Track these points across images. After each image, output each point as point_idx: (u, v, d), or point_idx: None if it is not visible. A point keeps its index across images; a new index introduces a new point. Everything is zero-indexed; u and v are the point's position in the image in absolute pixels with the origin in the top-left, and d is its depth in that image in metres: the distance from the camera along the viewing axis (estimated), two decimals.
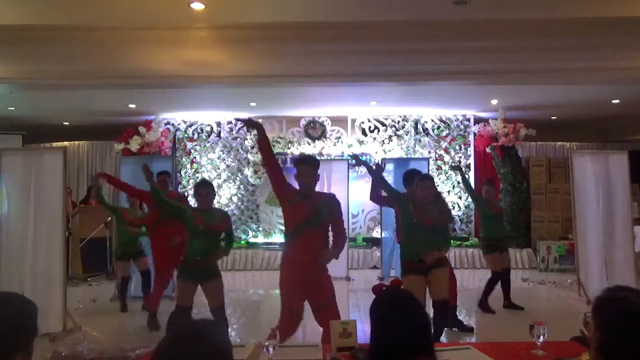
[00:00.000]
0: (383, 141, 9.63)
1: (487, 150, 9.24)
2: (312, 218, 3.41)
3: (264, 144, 3.51)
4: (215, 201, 9.39)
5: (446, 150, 9.71)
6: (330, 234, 3.59)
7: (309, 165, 3.46)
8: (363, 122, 9.70)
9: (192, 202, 6.08)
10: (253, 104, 8.67)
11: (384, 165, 5.08)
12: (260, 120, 3.79)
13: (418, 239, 3.99)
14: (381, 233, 8.11)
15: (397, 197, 4.26)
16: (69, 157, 7.49)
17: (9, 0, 4.41)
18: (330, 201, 3.59)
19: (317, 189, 3.61)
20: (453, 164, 4.58)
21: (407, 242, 4.12)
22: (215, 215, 4.20)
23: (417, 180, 4.16)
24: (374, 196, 4.65)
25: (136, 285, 6.39)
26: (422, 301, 3.85)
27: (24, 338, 1.29)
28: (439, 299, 3.99)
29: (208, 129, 9.87)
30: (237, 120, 3.97)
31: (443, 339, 4.76)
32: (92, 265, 7.90)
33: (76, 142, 10.84)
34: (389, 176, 8.15)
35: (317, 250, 3.44)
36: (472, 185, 7.63)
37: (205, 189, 4.17)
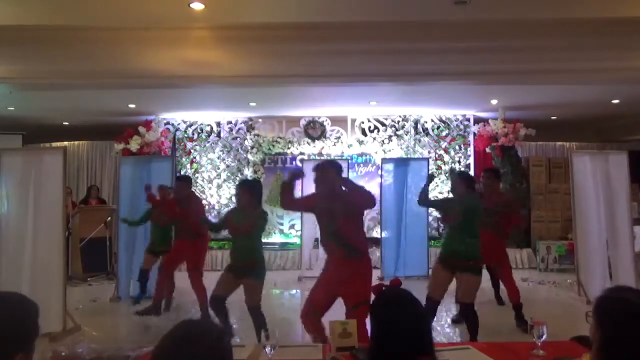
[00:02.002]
0: (383, 141, 9.63)
1: (487, 150, 9.24)
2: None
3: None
4: (215, 201, 9.54)
5: (446, 150, 9.71)
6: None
7: (316, 171, 3.64)
8: (363, 122, 9.70)
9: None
10: (253, 104, 8.67)
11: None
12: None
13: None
14: (381, 233, 8.11)
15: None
16: (69, 157, 7.48)
17: (9, 1, 4.41)
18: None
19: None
20: (430, 172, 4.79)
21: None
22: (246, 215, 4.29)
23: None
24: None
25: (137, 286, 6.40)
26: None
27: (25, 338, 1.29)
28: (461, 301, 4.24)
29: (208, 129, 9.87)
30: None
31: (442, 338, 4.77)
32: (92, 265, 7.89)
33: (76, 142, 10.83)
34: (389, 176, 8.17)
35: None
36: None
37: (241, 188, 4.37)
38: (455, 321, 5.28)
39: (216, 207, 9.61)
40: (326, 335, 3.44)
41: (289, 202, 3.74)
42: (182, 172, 9.77)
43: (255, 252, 4.24)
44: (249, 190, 4.28)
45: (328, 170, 3.61)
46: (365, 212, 9.27)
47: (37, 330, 1.32)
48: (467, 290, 4.10)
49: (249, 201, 4.24)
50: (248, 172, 9.64)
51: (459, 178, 4.38)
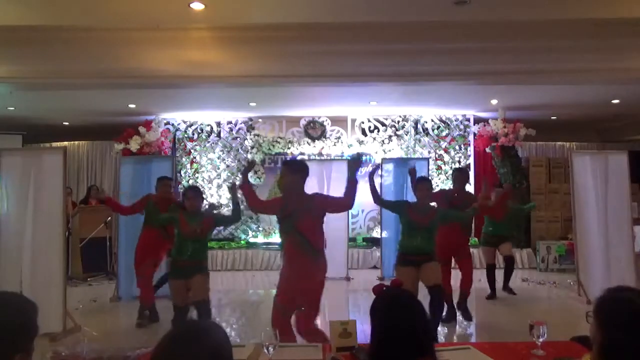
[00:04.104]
0: (383, 141, 9.63)
1: (487, 150, 9.25)
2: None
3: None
4: (215, 201, 9.54)
5: (446, 150, 9.71)
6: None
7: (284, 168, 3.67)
8: (363, 122, 9.70)
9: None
10: (253, 104, 8.68)
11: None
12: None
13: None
14: (381, 233, 8.12)
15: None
16: (69, 157, 7.48)
17: (9, 1, 4.41)
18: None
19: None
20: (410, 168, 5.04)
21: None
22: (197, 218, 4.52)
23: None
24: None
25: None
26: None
27: (24, 338, 1.29)
28: (431, 284, 4.35)
29: (208, 129, 9.87)
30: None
31: (441, 338, 4.77)
32: (92, 265, 7.89)
33: (76, 142, 10.84)
34: (388, 176, 8.17)
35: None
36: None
37: (192, 192, 4.61)
38: (444, 320, 5.24)
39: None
40: (294, 335, 3.49)
41: (252, 201, 3.69)
42: (182, 172, 9.79)
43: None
44: (202, 194, 4.75)
45: (290, 173, 3.59)
46: (366, 212, 9.47)
47: (36, 329, 1.32)
48: (437, 274, 4.41)
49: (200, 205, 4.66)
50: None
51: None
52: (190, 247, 4.40)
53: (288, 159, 9.57)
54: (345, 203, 3.59)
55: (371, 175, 4.65)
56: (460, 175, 5.54)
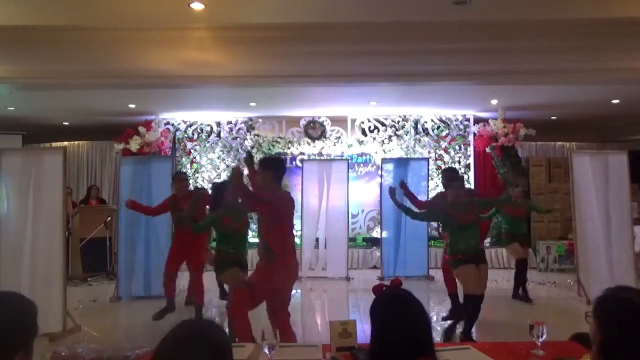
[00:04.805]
0: (383, 141, 9.63)
1: (487, 150, 9.24)
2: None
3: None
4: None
5: (446, 150, 9.71)
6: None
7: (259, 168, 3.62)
8: (363, 122, 9.70)
9: None
10: (253, 104, 8.67)
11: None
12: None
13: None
14: (381, 233, 8.12)
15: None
16: (69, 157, 7.47)
17: (10, 1, 4.41)
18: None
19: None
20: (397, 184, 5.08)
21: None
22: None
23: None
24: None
25: (137, 286, 6.41)
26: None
27: (24, 337, 1.29)
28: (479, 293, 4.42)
29: (208, 129, 9.87)
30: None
31: (439, 339, 4.77)
32: (92, 265, 7.89)
33: (76, 142, 10.84)
34: (388, 176, 8.18)
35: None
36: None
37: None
38: (447, 318, 5.27)
39: None
40: (253, 335, 3.42)
41: (254, 186, 3.68)
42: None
43: None
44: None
45: (262, 169, 3.56)
46: (365, 212, 9.47)
47: (37, 329, 1.32)
48: (485, 282, 4.45)
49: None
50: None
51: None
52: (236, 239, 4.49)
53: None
54: None
55: (392, 197, 4.82)
56: (454, 174, 5.41)
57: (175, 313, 5.33)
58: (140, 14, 4.65)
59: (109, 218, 7.86)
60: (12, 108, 8.54)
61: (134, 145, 8.90)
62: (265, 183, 3.50)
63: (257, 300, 3.53)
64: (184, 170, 9.70)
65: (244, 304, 3.50)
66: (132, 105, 8.54)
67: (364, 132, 9.70)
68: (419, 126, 9.73)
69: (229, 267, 4.40)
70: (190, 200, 4.66)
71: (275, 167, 3.56)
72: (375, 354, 1.68)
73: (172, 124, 9.82)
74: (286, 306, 3.59)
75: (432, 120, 9.72)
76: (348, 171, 8.19)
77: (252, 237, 9.36)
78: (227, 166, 9.74)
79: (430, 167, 8.62)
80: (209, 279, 5.48)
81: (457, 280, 4.91)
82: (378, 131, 9.68)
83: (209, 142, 9.86)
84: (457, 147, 9.72)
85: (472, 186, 9.53)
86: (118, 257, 6.82)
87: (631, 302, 1.51)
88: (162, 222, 6.32)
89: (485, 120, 9.31)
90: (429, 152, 9.63)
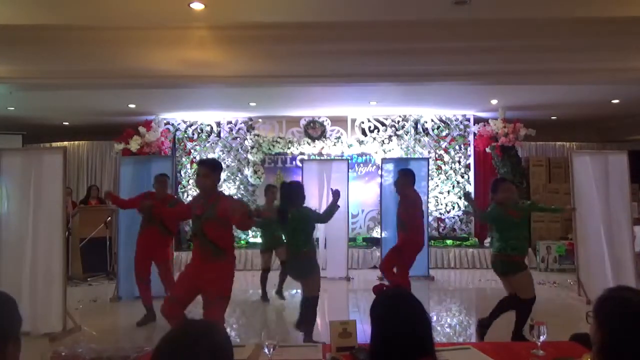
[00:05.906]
0: (383, 141, 9.63)
1: (487, 150, 9.24)
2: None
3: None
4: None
5: (446, 150, 9.71)
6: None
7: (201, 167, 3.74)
8: (363, 122, 9.70)
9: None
10: (253, 104, 8.68)
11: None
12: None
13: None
14: (381, 233, 8.12)
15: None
16: (69, 157, 7.48)
17: (8, 1, 4.41)
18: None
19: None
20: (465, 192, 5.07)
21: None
22: None
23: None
24: None
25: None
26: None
27: (12, 326, 1.35)
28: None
29: (208, 129, 9.88)
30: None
31: (443, 339, 4.77)
32: (92, 265, 7.89)
33: (76, 142, 10.85)
34: (389, 176, 8.18)
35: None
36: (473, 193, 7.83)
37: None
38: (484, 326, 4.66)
39: None
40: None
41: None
42: (182, 172, 9.78)
43: None
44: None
45: (206, 172, 3.67)
46: (365, 212, 9.48)
47: (20, 318, 1.38)
48: None
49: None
50: (248, 172, 9.65)
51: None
52: None
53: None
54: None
55: (470, 200, 4.98)
56: (500, 179, 5.18)
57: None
58: (140, 13, 4.64)
59: (109, 218, 7.86)
60: (12, 108, 8.55)
61: (134, 145, 8.90)
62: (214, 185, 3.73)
63: None
64: (183, 170, 9.72)
65: None
66: (132, 105, 8.55)
67: (364, 132, 9.71)
68: (419, 126, 9.74)
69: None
70: (166, 203, 4.95)
71: (213, 169, 3.76)
72: (376, 354, 1.68)
73: (172, 124, 9.83)
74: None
75: (432, 120, 9.73)
76: (348, 171, 8.19)
77: (252, 237, 9.46)
78: (227, 166, 9.74)
79: (430, 167, 8.62)
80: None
81: (510, 285, 4.63)
82: (378, 131, 9.68)
83: (209, 142, 9.86)
84: (457, 147, 9.72)
85: (472, 186, 9.54)
86: (118, 257, 6.82)
87: (631, 302, 1.51)
88: None
89: (485, 120, 9.31)
90: (429, 152, 9.63)
